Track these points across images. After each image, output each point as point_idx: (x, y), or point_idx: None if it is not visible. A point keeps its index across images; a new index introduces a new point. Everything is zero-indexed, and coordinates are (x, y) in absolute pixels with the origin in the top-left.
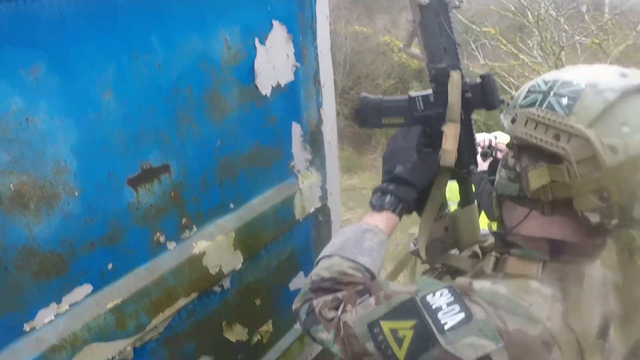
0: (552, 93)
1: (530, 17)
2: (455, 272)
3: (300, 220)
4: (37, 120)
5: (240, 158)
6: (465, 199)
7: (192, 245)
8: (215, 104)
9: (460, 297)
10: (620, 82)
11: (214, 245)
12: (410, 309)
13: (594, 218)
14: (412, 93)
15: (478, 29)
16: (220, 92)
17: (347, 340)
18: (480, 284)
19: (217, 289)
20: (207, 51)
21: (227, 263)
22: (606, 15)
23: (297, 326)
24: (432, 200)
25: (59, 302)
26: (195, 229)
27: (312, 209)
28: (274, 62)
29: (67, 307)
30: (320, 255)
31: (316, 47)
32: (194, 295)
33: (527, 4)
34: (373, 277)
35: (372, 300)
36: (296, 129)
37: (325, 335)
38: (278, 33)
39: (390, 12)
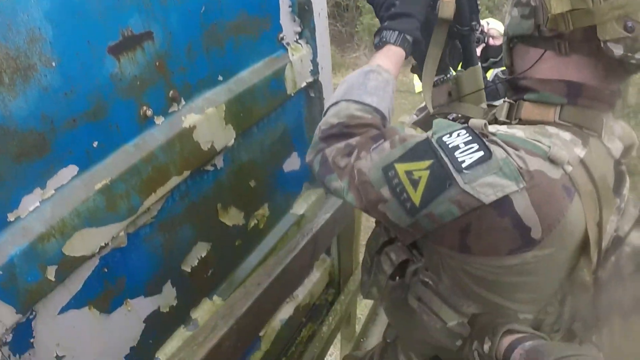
0: None
1: None
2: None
3: (292, 94)
4: None
5: (226, 26)
6: (468, 59)
7: (181, 119)
8: None
9: (479, 136)
10: None
11: (204, 119)
12: (425, 149)
13: (618, 50)
14: None
15: None
16: None
17: (362, 187)
18: (495, 128)
19: (210, 168)
20: None
21: (219, 138)
22: None
23: (294, 210)
24: (430, 56)
25: (43, 186)
26: (183, 102)
27: (304, 84)
28: None
29: (53, 191)
30: (326, 107)
31: None
32: (186, 173)
33: None
34: (383, 117)
35: (386, 144)
36: None
37: (339, 184)
38: None
39: None
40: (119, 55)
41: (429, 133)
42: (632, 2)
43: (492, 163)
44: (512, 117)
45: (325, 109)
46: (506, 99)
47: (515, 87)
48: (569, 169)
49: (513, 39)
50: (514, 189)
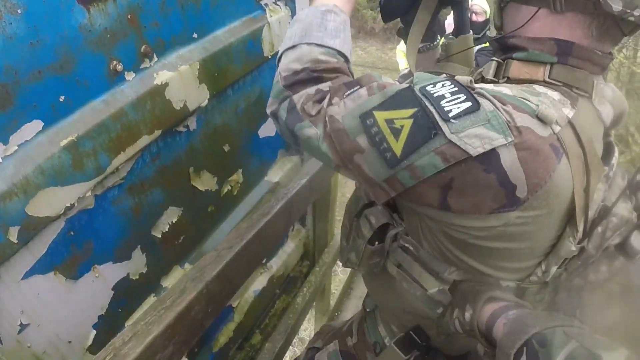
0: None
1: None
2: None
3: (269, 57)
4: None
5: None
6: (461, 27)
7: (153, 76)
8: None
9: (465, 87)
10: None
11: (177, 76)
12: (408, 97)
13: (616, 5)
14: None
15: None
16: None
17: (336, 135)
18: (481, 85)
19: (182, 129)
20: None
21: (193, 98)
22: None
23: (268, 178)
24: (418, 20)
25: (5, 142)
26: (155, 58)
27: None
28: None
29: (16, 147)
30: (281, 50)
31: None
32: (157, 132)
33: None
34: (347, 60)
35: (363, 91)
36: None
37: (314, 131)
38: None
39: None
40: (88, 5)
41: (410, 84)
42: None
43: (480, 114)
44: (500, 76)
45: (280, 52)
46: (494, 58)
47: (504, 47)
48: (557, 128)
49: None
50: (502, 143)
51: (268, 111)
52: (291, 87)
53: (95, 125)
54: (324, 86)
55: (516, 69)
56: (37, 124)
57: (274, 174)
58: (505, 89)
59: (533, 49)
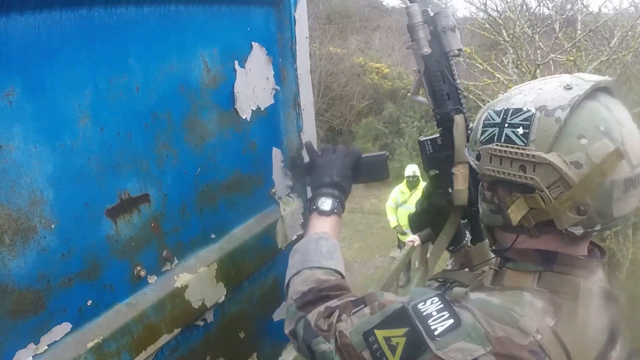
0: (506, 124)
1: (505, 35)
2: (458, 286)
3: (283, 248)
4: (12, 147)
5: (220, 186)
6: (477, 235)
7: (173, 279)
8: (194, 130)
9: (449, 304)
10: (566, 96)
11: (196, 278)
12: (402, 316)
13: (578, 231)
14: (421, 138)
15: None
16: (199, 117)
17: (345, 350)
18: (476, 295)
19: (200, 323)
20: (186, 74)
21: (210, 296)
22: (578, 32)
23: (282, 358)
24: (444, 233)
25: (37, 342)
26: (176, 261)
27: (294, 237)
28: (253, 85)
29: (46, 347)
30: (287, 278)
31: (296, 69)
32: (176, 331)
33: (503, 22)
34: (343, 277)
35: (367, 310)
36: (277, 155)
37: (327, 346)
38: (258, 55)
39: (363, 33)
40: (115, 218)
41: (406, 299)
42: (578, 191)
43: (461, 330)
44: (496, 284)
45: (287, 280)
46: (492, 266)
47: (500, 256)
48: (539, 337)
49: (489, 226)
50: (481, 352)
51: (286, 331)
52: (304, 308)
53: (119, 327)
54: (332, 303)
55: (509, 277)
56: (66, 326)
57: (288, 354)
58: (495, 299)
59: (521, 261)
